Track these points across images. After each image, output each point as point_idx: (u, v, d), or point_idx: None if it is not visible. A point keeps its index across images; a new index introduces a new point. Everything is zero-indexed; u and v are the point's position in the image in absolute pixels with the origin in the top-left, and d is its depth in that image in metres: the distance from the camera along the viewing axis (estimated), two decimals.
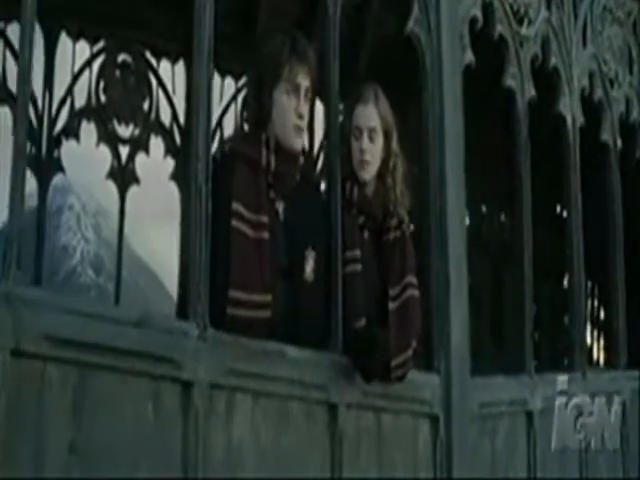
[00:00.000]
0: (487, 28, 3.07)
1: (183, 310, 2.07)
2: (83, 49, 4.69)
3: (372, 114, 2.59)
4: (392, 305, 2.51)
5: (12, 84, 4.39)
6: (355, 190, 2.59)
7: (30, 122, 4.40)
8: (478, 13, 3.01)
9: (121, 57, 4.71)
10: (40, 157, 4.43)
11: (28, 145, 4.42)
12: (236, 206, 2.17)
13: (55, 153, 4.51)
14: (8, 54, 4.41)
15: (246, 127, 3.56)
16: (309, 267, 2.28)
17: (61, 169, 4.51)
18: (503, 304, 5.46)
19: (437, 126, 2.84)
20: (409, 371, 2.47)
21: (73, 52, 4.70)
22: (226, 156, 2.32)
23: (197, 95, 2.12)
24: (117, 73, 4.72)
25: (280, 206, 2.34)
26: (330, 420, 2.28)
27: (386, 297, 2.52)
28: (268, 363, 2.15)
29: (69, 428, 1.71)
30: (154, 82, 4.78)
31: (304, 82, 2.33)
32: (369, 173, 2.60)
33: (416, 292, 2.59)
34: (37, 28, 4.45)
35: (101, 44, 4.67)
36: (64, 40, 4.65)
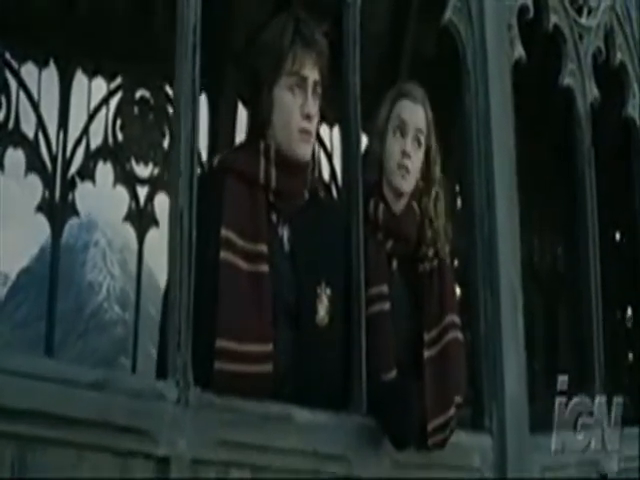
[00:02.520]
0: (539, 18, 2.63)
1: (162, 366, 1.67)
2: (99, 86, 4.52)
3: (421, 115, 2.18)
4: (429, 352, 2.08)
5: (26, 127, 4.24)
6: (381, 208, 2.15)
7: (44, 165, 4.24)
8: (528, 1, 2.58)
9: (139, 93, 4.53)
10: (53, 201, 4.24)
11: (41, 189, 4.24)
12: (226, 233, 1.75)
13: (69, 196, 4.29)
14: (22, 96, 4.26)
15: None
16: (322, 308, 1.84)
17: (75, 213, 4.28)
18: (559, 344, 4.95)
19: (483, 135, 2.41)
20: (452, 434, 2.01)
21: (89, 90, 4.56)
22: (214, 171, 1.89)
23: (179, 96, 1.76)
24: (135, 110, 4.51)
25: (284, 232, 1.90)
26: None
27: (421, 341, 2.08)
28: (271, 430, 1.73)
29: None
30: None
31: (312, 74, 1.89)
32: (409, 183, 2.17)
33: (460, 334, 2.15)
34: (52, 67, 4.40)
35: (118, 80, 4.49)
36: (80, 78, 4.47)
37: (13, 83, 4.23)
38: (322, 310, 1.84)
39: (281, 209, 1.89)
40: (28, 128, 4.25)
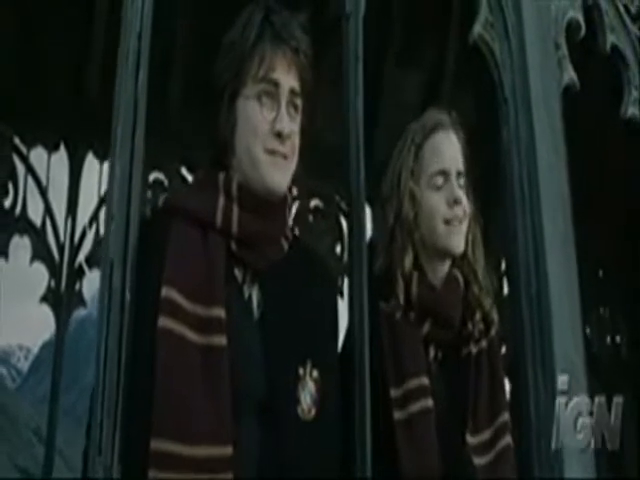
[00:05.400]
0: (592, 36, 2.21)
1: (85, 475, 1.23)
2: None
3: (457, 149, 1.74)
4: (480, 460, 1.60)
5: (33, 214, 4.03)
6: (415, 278, 1.68)
7: (50, 254, 3.99)
8: (579, 16, 2.16)
9: (153, 175, 4.27)
10: (59, 291, 3.95)
11: (47, 278, 3.98)
12: (168, 292, 1.30)
13: (77, 285, 4.01)
14: (30, 181, 4.07)
15: None
16: (307, 396, 1.37)
17: (82, 303, 3.98)
18: (624, 444, 4.33)
19: (527, 176, 1.95)
20: None
21: (100, 173, 4.29)
22: (159, 214, 1.48)
23: (118, 110, 1.53)
24: (149, 193, 4.23)
25: (252, 292, 1.44)
26: None
27: (458, 446, 1.60)
28: None
29: None
30: None
31: (286, 79, 1.46)
32: (462, 239, 1.71)
33: (511, 440, 1.67)
34: (62, 150, 4.21)
35: None
36: (90, 160, 4.27)
37: (21, 168, 4.06)
38: (306, 399, 1.36)
39: (248, 262, 1.43)
40: (35, 215, 4.03)
